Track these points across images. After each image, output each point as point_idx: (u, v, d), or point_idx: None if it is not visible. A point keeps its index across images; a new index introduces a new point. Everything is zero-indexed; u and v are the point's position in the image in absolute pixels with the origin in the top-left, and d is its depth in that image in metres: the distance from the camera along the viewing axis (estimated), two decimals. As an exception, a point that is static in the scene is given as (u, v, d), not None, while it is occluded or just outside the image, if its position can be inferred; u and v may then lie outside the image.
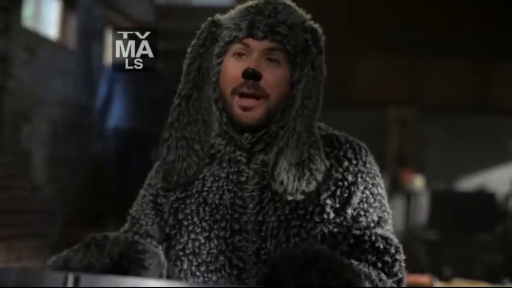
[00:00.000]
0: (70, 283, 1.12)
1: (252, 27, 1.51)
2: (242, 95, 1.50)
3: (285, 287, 1.23)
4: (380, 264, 1.46)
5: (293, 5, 1.57)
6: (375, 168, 1.55)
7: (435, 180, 7.53)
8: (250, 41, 1.51)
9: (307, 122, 1.50)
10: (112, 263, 1.34)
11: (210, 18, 1.58)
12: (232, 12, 1.57)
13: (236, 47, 1.52)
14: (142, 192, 1.61)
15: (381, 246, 1.47)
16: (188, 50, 1.57)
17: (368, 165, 1.54)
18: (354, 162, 1.52)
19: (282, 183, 1.47)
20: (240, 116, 1.51)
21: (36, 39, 5.45)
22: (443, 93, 7.74)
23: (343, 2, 7.56)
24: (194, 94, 1.55)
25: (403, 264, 1.49)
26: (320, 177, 1.48)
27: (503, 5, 7.46)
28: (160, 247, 1.49)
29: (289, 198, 1.47)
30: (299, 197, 1.47)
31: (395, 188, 7.16)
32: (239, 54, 1.52)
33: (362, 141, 1.58)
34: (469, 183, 7.67)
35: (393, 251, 1.48)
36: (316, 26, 1.55)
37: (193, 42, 1.57)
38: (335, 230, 1.48)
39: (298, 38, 1.52)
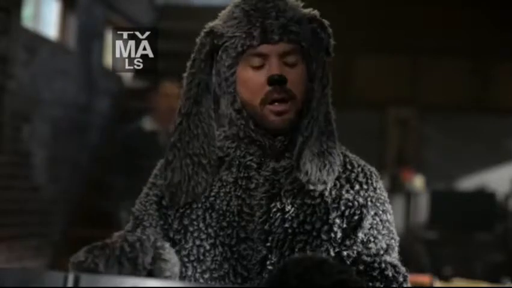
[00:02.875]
0: (70, 283, 1.12)
1: (265, 32, 1.48)
2: (273, 101, 1.48)
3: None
4: None
5: None
6: (385, 195, 1.55)
7: (435, 180, 7.52)
8: (265, 48, 1.48)
9: (324, 108, 1.51)
10: (147, 273, 1.31)
11: (204, 30, 1.53)
12: (224, 15, 1.53)
13: (252, 59, 1.49)
14: (145, 190, 1.58)
15: (390, 274, 1.46)
16: (188, 64, 1.53)
17: (378, 191, 1.54)
18: (365, 187, 1.52)
19: (306, 173, 1.46)
20: (276, 122, 1.49)
21: (36, 40, 5.45)
22: (443, 93, 7.73)
23: (342, 2, 7.56)
24: (193, 110, 1.52)
25: None
26: (336, 169, 1.49)
27: (503, 5, 7.46)
28: (173, 249, 1.46)
29: (311, 187, 1.47)
30: (320, 187, 1.47)
31: (395, 188, 7.14)
32: (257, 67, 1.49)
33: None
34: (469, 183, 7.66)
35: (401, 279, 1.47)
36: (316, 13, 1.54)
37: (193, 56, 1.53)
38: (345, 252, 1.47)
39: (306, 30, 1.51)
